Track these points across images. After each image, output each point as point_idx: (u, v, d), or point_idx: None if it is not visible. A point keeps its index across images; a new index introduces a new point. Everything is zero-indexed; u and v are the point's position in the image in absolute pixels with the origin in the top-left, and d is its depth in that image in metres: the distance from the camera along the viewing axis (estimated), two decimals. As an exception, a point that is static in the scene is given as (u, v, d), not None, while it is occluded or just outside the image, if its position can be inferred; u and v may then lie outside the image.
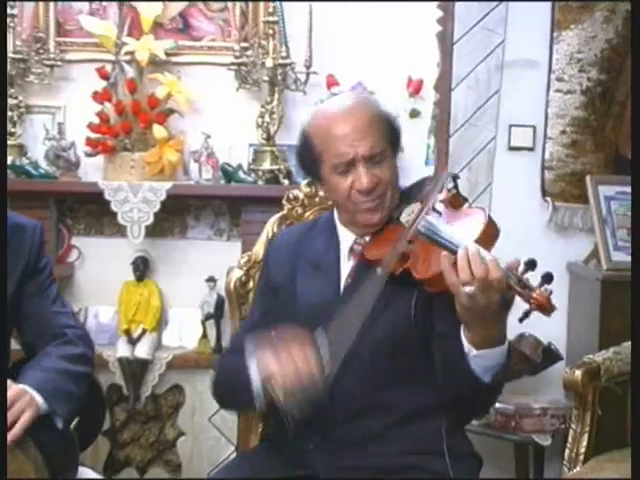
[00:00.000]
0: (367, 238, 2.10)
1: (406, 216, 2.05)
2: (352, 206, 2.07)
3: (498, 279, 1.78)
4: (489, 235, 1.89)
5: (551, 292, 1.77)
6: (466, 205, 2.01)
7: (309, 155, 2.09)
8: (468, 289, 1.78)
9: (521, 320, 1.80)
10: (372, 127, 2.04)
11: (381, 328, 2.03)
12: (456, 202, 2.02)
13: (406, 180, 2.18)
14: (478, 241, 1.85)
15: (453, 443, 2.06)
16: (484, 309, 1.80)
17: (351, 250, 2.13)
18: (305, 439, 2.07)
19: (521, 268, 1.80)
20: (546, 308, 1.77)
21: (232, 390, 2.09)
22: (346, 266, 2.12)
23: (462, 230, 1.90)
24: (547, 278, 1.77)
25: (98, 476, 2.28)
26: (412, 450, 2.04)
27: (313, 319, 2.01)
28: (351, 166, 2.03)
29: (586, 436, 2.77)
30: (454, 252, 1.83)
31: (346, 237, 2.15)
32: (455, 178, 2.05)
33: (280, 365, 1.90)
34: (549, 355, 3.41)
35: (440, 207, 2.00)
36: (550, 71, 3.62)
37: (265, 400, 1.95)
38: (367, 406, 2.05)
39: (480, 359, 1.87)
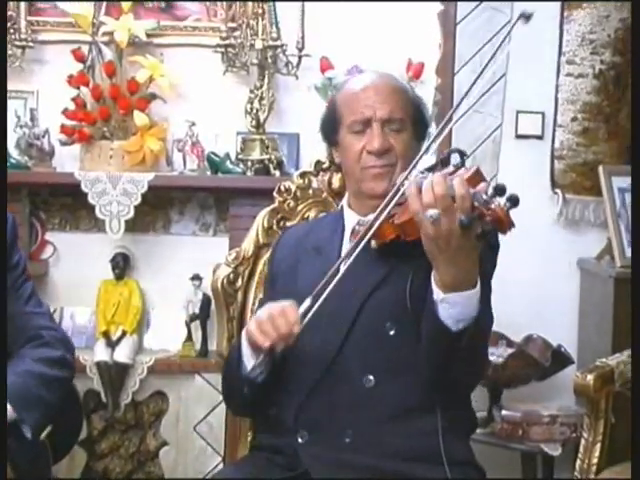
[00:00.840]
0: (370, 217, 2.12)
1: (400, 179, 2.08)
2: (360, 172, 2.17)
3: (461, 196, 1.80)
4: (475, 180, 1.90)
5: (510, 208, 1.77)
6: (463, 168, 2.05)
7: (330, 119, 2.24)
8: (431, 212, 1.81)
9: (478, 238, 1.82)
10: (395, 95, 2.18)
11: (373, 311, 2.08)
12: (473, 180, 2.05)
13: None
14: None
15: (450, 447, 2.06)
16: (449, 235, 1.82)
17: (352, 232, 2.20)
18: (294, 433, 2.10)
19: (489, 192, 1.81)
20: (503, 222, 1.78)
21: (233, 383, 2.17)
22: (346, 247, 2.16)
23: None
24: (512, 200, 1.77)
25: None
26: (407, 452, 2.05)
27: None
28: (367, 126, 2.16)
29: (599, 446, 2.77)
30: None
31: (350, 218, 2.23)
32: (462, 155, 2.08)
33: (258, 319, 2.02)
34: (559, 358, 3.46)
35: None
36: (560, 53, 3.63)
37: (258, 369, 2.07)
38: (356, 396, 2.08)
39: (449, 306, 1.89)
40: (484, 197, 1.81)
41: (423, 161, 2.12)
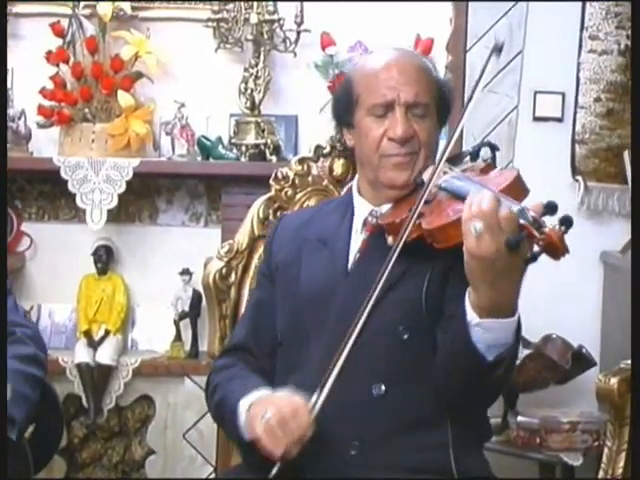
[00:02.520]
0: (385, 208, 2.13)
1: (428, 175, 2.07)
2: (378, 160, 2.13)
3: (508, 214, 1.79)
4: (516, 189, 1.92)
5: (565, 232, 1.76)
6: (497, 169, 2.05)
7: (345, 98, 2.18)
8: (477, 224, 1.79)
9: (527, 262, 1.80)
10: (421, 76, 2.14)
11: (386, 313, 2.05)
12: (488, 170, 2.07)
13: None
14: (502, 192, 1.88)
15: (463, 460, 2.06)
16: (495, 256, 1.79)
17: (364, 222, 2.17)
18: None
19: (540, 211, 1.81)
20: (558, 247, 1.77)
21: (227, 424, 2.16)
22: (357, 239, 2.15)
23: (488, 184, 1.94)
24: (567, 222, 1.77)
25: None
26: (416, 465, 2.05)
27: (315, 298, 2.08)
28: (389, 110, 2.11)
29: (623, 455, 2.77)
30: None
31: (362, 208, 2.20)
32: (494, 149, 2.10)
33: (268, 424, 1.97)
34: (580, 360, 3.46)
35: (469, 174, 2.06)
36: (582, 28, 3.62)
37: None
38: (364, 405, 2.07)
39: (484, 331, 1.87)
40: (532, 215, 1.78)
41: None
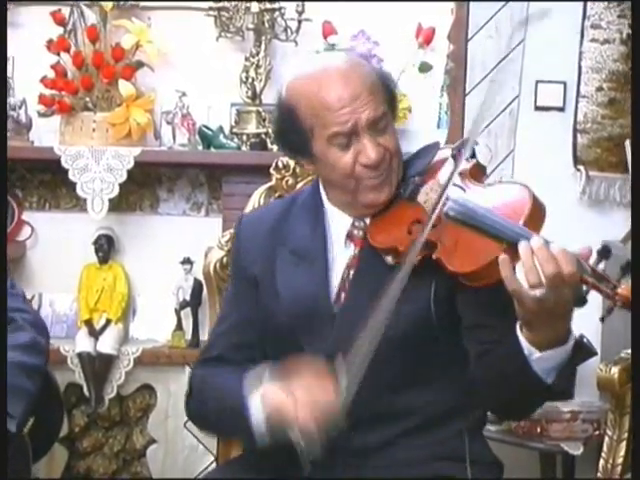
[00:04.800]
0: (367, 220, 2.08)
1: (424, 195, 2.02)
2: (354, 184, 2.02)
3: (571, 274, 1.75)
4: (537, 216, 1.87)
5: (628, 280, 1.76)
6: (493, 179, 2.01)
7: (294, 131, 2.03)
8: (537, 292, 1.75)
9: (603, 319, 1.82)
10: (371, 89, 2.00)
11: (396, 325, 2.00)
12: (477, 173, 2.01)
13: (415, 146, 2.16)
14: (525, 225, 1.84)
15: (475, 449, 2.08)
16: (553, 309, 1.78)
17: (349, 236, 2.09)
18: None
19: (593, 257, 1.79)
20: (631, 303, 1.76)
21: (218, 421, 2.11)
22: (342, 255, 2.09)
23: (502, 211, 1.88)
24: (627, 269, 1.77)
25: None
26: (425, 458, 2.05)
27: (298, 318, 2.03)
28: (353, 136, 1.99)
29: (624, 444, 2.77)
30: (501, 240, 1.82)
31: (338, 220, 2.11)
32: (469, 144, 2.04)
33: (294, 399, 1.90)
34: (581, 350, 3.44)
35: (458, 181, 1.99)
36: (584, 17, 3.62)
37: (270, 439, 1.96)
38: (374, 411, 2.05)
39: (543, 361, 1.87)
40: (589, 265, 1.76)
41: (432, 132, 2.09)
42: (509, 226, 1.85)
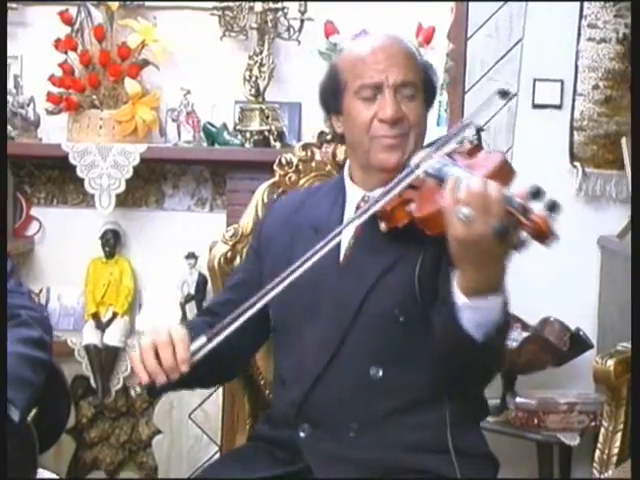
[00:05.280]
0: (377, 193, 2.10)
1: (416, 160, 2.06)
2: (369, 142, 2.11)
3: (497, 199, 1.78)
4: (502, 173, 1.90)
5: (551, 217, 1.76)
6: (483, 151, 2.03)
7: (332, 85, 2.16)
8: (466, 211, 1.78)
9: (515, 248, 1.79)
10: (407, 58, 2.12)
11: (381, 297, 2.06)
12: (475, 151, 2.04)
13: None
14: (489, 177, 1.86)
15: (461, 439, 2.07)
16: (481, 240, 1.79)
17: (357, 208, 2.15)
18: (295, 426, 2.10)
19: (525, 196, 1.80)
20: (545, 233, 1.76)
21: None
22: (352, 226, 2.12)
23: (474, 168, 1.92)
24: (552, 206, 1.76)
25: (61, 480, 2.27)
26: (414, 444, 2.05)
27: (309, 286, 2.05)
28: (378, 92, 2.09)
29: (619, 435, 2.77)
30: None
31: (354, 193, 2.18)
32: (479, 130, 2.09)
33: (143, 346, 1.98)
34: (577, 342, 3.45)
35: (456, 156, 2.03)
36: (581, 17, 3.61)
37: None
38: (362, 388, 2.07)
39: (471, 311, 1.87)
40: (519, 202, 1.77)
41: (432, 129, 2.11)
42: (468, 175, 1.88)
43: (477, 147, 2.05)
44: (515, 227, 1.77)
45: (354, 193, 2.19)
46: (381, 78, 2.08)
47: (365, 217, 1.99)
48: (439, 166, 1.98)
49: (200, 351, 1.94)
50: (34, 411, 2.15)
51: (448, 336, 1.92)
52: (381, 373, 2.06)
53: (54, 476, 2.26)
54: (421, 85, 2.13)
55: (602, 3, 3.59)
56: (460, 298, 1.87)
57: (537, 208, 1.78)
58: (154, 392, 2.07)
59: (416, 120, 2.11)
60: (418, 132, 2.12)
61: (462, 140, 2.05)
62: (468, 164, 1.98)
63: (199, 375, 2.00)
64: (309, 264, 1.95)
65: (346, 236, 2.12)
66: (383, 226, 2.04)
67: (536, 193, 1.78)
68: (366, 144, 2.12)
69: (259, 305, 1.96)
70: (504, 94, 2.12)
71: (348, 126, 2.17)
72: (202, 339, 1.95)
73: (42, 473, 2.20)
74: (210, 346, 1.95)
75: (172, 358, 1.92)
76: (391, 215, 2.02)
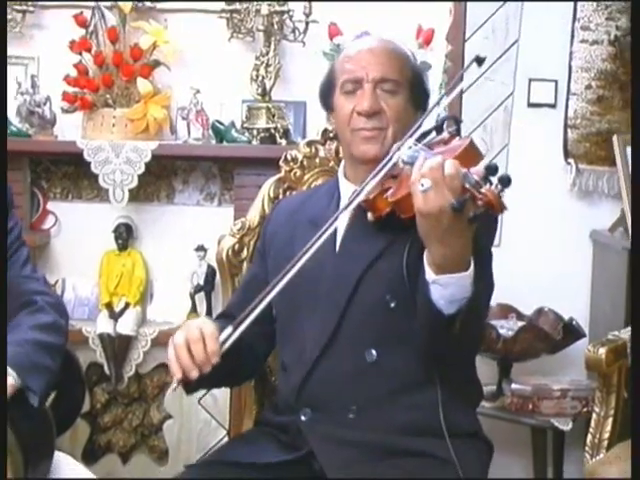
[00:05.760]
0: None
1: (394, 149, 2.07)
2: (350, 135, 2.15)
3: (451, 175, 1.81)
4: (469, 155, 1.92)
5: (501, 190, 1.79)
6: (457, 138, 2.05)
7: (327, 83, 2.23)
8: (424, 181, 1.82)
9: (471, 221, 1.82)
10: (391, 58, 2.15)
11: (372, 284, 2.08)
12: (450, 140, 2.07)
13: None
14: (457, 158, 1.89)
15: (454, 421, 2.07)
16: (440, 214, 1.81)
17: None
18: (296, 411, 2.12)
19: (481, 174, 1.83)
20: (494, 206, 1.80)
21: None
22: (344, 218, 2.14)
23: (444, 153, 1.95)
24: (503, 181, 1.79)
25: (77, 463, 2.27)
26: (410, 425, 2.06)
27: (310, 275, 2.06)
28: (358, 87, 2.13)
29: (610, 420, 2.78)
30: None
31: (346, 189, 2.21)
32: (457, 122, 2.13)
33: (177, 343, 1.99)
34: (570, 331, 3.46)
35: (434, 146, 2.06)
36: (574, 19, 3.60)
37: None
38: (358, 371, 2.08)
39: (441, 287, 1.88)
40: (475, 178, 1.81)
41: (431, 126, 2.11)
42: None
43: (454, 136, 2.08)
44: (471, 202, 1.81)
45: (347, 188, 2.21)
46: (362, 73, 2.13)
47: (351, 207, 2.03)
48: (415, 154, 1.99)
49: (228, 340, 1.97)
50: (52, 396, 2.16)
51: (423, 312, 1.94)
52: (375, 356, 2.08)
53: (71, 460, 2.26)
54: (406, 83, 2.15)
55: (594, 6, 3.58)
56: (430, 275, 1.89)
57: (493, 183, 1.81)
58: (190, 389, 2.08)
59: (395, 115, 2.13)
60: (398, 126, 2.13)
61: (442, 130, 2.08)
62: (440, 151, 2.00)
63: (226, 371, 2.02)
64: (309, 254, 1.98)
65: (341, 227, 2.15)
66: (370, 216, 2.08)
67: (491, 169, 1.81)
68: (348, 136, 2.16)
69: (273, 293, 1.99)
70: (480, 61, 2.12)
71: (336, 121, 2.22)
72: (229, 329, 1.98)
73: (59, 456, 2.21)
74: (236, 334, 1.97)
75: (203, 352, 1.94)
76: (374, 204, 2.05)
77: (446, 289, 1.88)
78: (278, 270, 2.09)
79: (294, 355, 2.15)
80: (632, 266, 2.46)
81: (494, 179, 1.80)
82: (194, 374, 1.95)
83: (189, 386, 2.03)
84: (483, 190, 1.79)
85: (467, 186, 1.81)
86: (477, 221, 1.83)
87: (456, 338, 1.93)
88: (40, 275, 2.30)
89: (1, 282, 2.13)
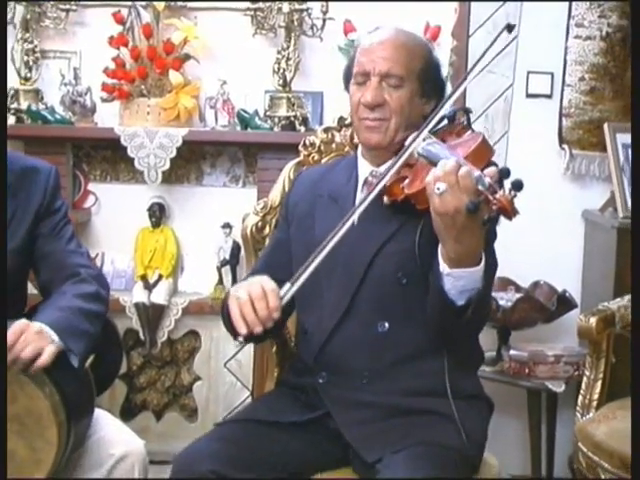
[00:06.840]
0: (382, 168, 2.11)
1: (410, 139, 2.06)
2: (357, 122, 2.15)
3: (465, 177, 1.80)
4: (479, 153, 1.91)
5: (514, 196, 1.77)
6: (469, 131, 2.03)
7: (347, 71, 2.21)
8: (440, 185, 1.80)
9: (484, 223, 1.81)
10: (399, 51, 2.11)
11: (385, 262, 2.08)
12: (462, 132, 2.05)
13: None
14: (467, 157, 1.88)
15: (459, 384, 2.08)
16: (455, 214, 1.80)
17: (365, 182, 2.17)
18: (315, 374, 2.12)
19: (495, 177, 1.81)
20: (508, 211, 1.78)
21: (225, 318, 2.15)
22: (362, 195, 2.14)
23: (457, 148, 1.94)
24: (516, 186, 1.77)
25: (114, 419, 2.29)
26: (416, 389, 2.07)
27: (330, 249, 2.04)
28: (367, 79, 2.11)
29: (599, 383, 2.78)
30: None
31: (363, 168, 2.20)
32: (467, 112, 2.09)
33: (240, 300, 1.95)
34: (564, 302, 3.45)
35: (446, 137, 2.05)
36: (569, 17, 3.58)
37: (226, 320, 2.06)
38: (371, 340, 2.09)
39: (454, 280, 1.89)
40: (488, 181, 1.78)
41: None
42: (448, 156, 1.89)
43: (465, 128, 2.06)
44: (484, 204, 1.79)
45: (363, 168, 2.20)
46: (370, 67, 2.11)
47: (374, 194, 2.00)
48: (428, 147, 1.98)
49: (287, 295, 1.96)
50: (91, 359, 2.17)
51: (435, 299, 1.94)
52: (387, 327, 2.08)
53: (110, 416, 2.27)
54: (414, 77, 2.11)
55: (588, 5, 3.56)
56: (444, 268, 1.89)
57: (507, 186, 1.79)
58: (253, 340, 2.06)
59: (397, 108, 2.10)
60: (401, 118, 2.10)
61: (454, 120, 2.06)
62: (453, 144, 1.98)
63: (277, 325, 2.02)
64: (341, 233, 1.96)
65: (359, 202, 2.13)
66: (385, 199, 2.06)
67: (504, 173, 1.80)
68: (356, 123, 2.17)
69: (324, 253, 1.97)
70: (510, 28, 2.09)
71: (350, 108, 2.20)
72: (287, 285, 1.96)
73: (98, 412, 2.22)
74: (294, 288, 1.96)
75: (266, 308, 1.92)
76: (391, 190, 2.04)
77: (458, 281, 1.88)
78: (300, 237, 2.10)
79: (314, 321, 2.15)
80: (633, 267, 2.44)
81: (506, 182, 1.78)
82: (258, 329, 1.92)
83: (251, 338, 1.99)
84: (497, 196, 1.77)
85: (481, 188, 1.79)
86: (490, 224, 1.82)
87: (466, 322, 1.94)
88: (84, 250, 2.31)
89: (1, 281, 2.12)
